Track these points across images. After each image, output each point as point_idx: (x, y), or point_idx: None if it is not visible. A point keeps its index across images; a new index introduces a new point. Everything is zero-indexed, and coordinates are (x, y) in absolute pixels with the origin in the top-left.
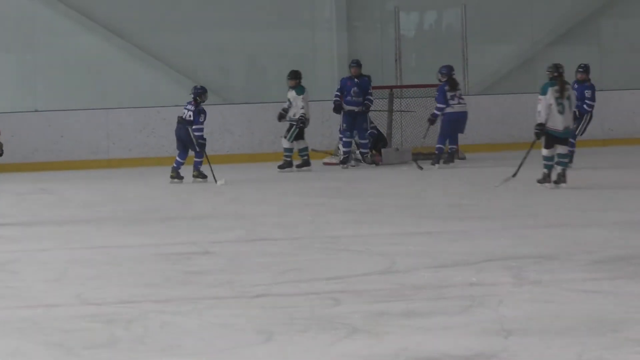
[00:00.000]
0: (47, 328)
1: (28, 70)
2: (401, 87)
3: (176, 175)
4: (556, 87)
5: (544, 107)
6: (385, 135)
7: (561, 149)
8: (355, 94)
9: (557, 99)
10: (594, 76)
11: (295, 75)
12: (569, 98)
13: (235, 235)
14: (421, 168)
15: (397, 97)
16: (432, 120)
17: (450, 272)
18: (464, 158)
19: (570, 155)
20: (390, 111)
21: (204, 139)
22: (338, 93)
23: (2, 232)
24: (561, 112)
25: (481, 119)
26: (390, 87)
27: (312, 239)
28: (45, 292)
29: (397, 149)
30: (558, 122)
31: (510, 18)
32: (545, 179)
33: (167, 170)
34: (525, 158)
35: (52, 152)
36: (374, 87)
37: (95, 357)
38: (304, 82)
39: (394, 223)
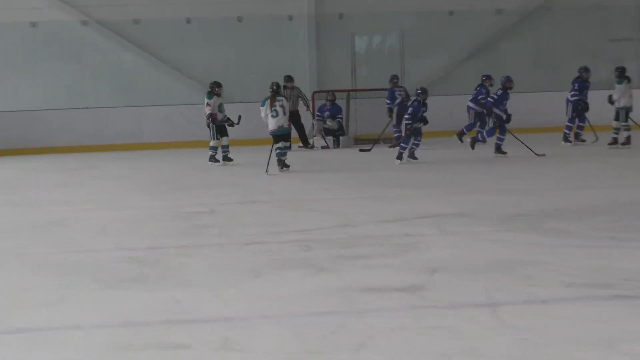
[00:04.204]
0: (92, 267)
1: (79, 76)
2: (356, 90)
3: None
4: None
5: None
6: (344, 126)
7: None
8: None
9: None
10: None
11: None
12: None
13: (233, 199)
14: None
15: (353, 98)
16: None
17: (390, 226)
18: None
19: None
20: (347, 108)
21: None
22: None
23: (58, 197)
24: None
25: None
26: (348, 91)
27: (288, 202)
28: (90, 241)
29: (349, 136)
30: None
31: (436, 39)
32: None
33: (182, 153)
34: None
35: (98, 138)
36: (336, 90)
37: (129, 288)
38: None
39: (350, 191)
